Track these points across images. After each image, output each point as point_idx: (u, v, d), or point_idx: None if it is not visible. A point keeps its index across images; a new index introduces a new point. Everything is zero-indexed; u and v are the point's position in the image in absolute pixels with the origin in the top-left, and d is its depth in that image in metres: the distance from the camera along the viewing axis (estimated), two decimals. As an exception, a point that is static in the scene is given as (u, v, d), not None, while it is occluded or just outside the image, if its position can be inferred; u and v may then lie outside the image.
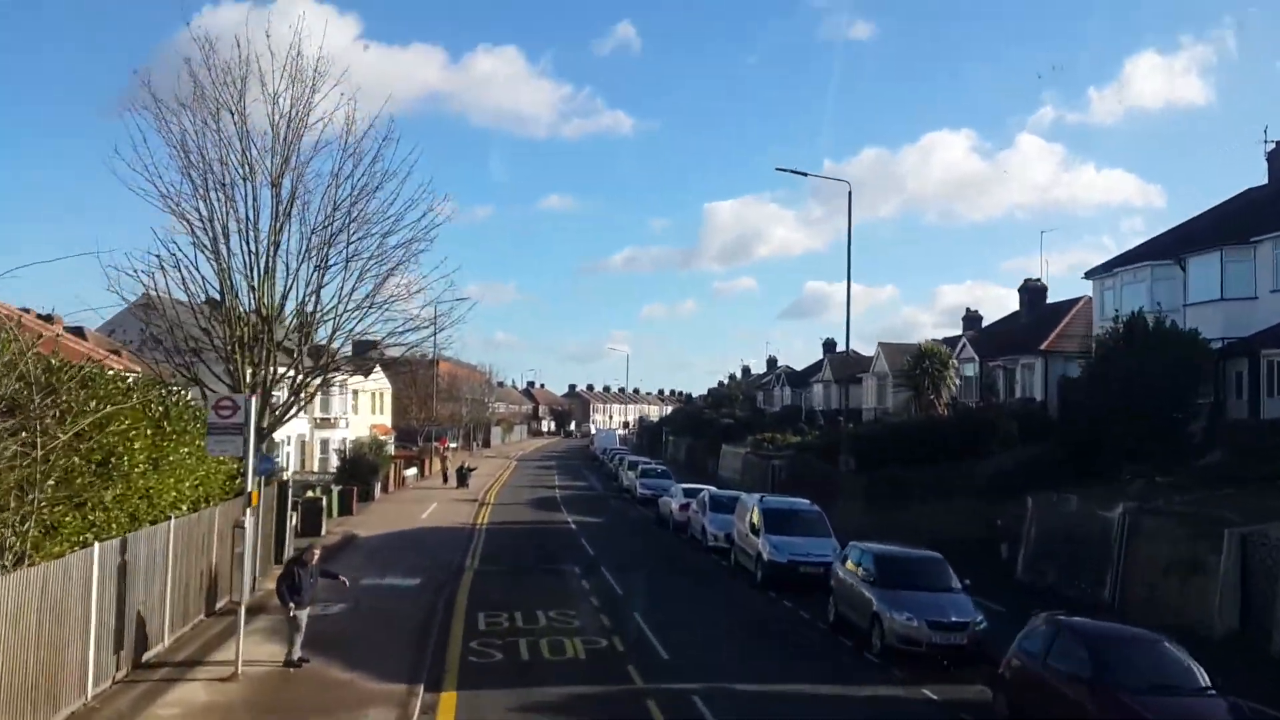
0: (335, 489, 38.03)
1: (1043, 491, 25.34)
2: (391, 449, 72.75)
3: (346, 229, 24.16)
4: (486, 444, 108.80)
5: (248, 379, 23.86)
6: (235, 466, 22.53)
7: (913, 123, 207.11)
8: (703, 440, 69.83)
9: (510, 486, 54.45)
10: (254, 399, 15.42)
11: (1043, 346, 40.75)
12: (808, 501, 26.22)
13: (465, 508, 40.91)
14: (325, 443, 53.16)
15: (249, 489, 14.97)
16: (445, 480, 53.33)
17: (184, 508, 17.79)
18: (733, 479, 56.25)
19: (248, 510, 14.82)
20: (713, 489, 33.40)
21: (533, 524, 36.65)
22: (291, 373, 24.86)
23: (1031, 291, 48.07)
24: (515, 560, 27.08)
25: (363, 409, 67.84)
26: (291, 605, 14.75)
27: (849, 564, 19.27)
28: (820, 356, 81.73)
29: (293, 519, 26.72)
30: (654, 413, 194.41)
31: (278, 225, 23.66)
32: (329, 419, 53.78)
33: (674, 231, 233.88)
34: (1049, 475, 27.09)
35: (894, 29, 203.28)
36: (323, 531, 31.94)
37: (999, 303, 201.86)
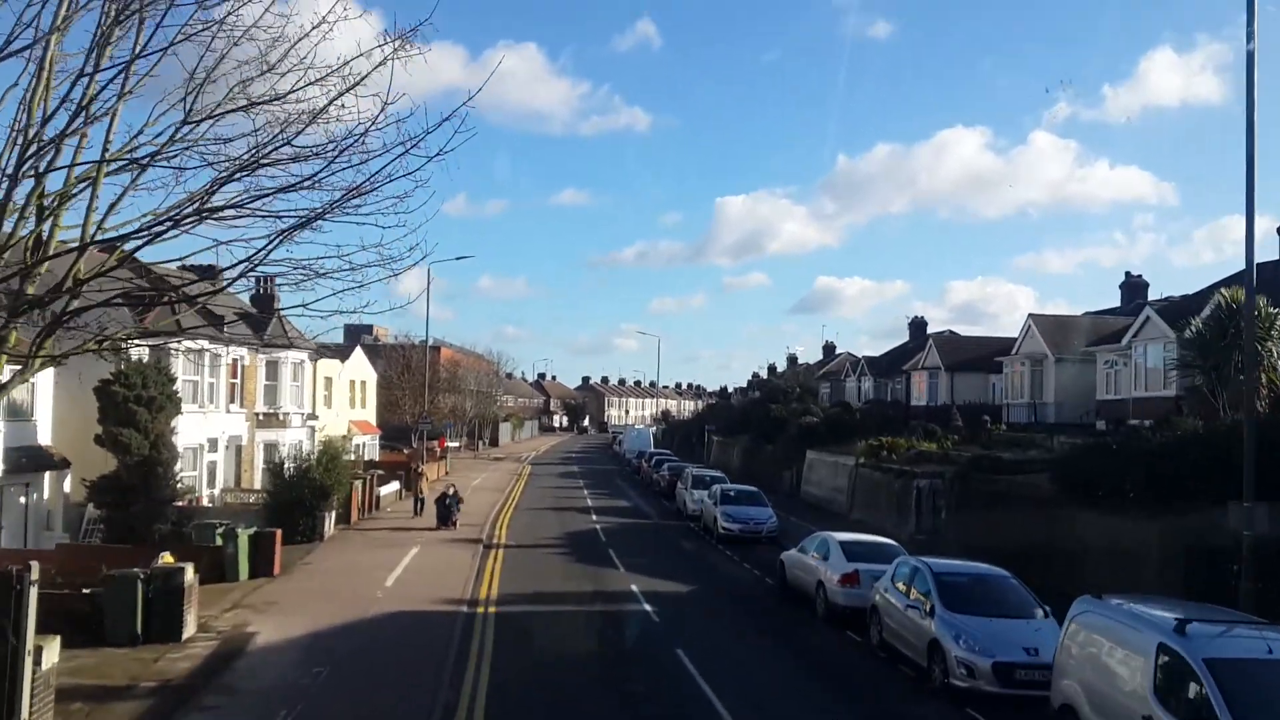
0: (243, 534, 22.82)
1: None
2: (375, 452, 57.97)
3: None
4: (494, 442, 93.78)
5: None
6: None
7: (927, 119, 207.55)
8: (769, 445, 54.57)
9: (527, 511, 39.08)
10: None
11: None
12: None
13: (459, 560, 25.65)
14: (273, 448, 37.93)
15: None
16: (418, 510, 34.98)
17: None
18: (831, 500, 41.02)
19: None
20: (932, 560, 17.65)
21: (576, 602, 21.30)
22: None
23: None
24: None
25: (338, 402, 52.90)
26: None
27: None
28: (904, 340, 66.46)
29: (37, 665, 11.46)
30: (674, 407, 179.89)
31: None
32: (275, 414, 38.56)
33: (685, 226, 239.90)
34: None
35: (912, 27, 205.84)
36: (184, 633, 16.82)
37: (1009, 299, 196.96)
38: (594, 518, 37.21)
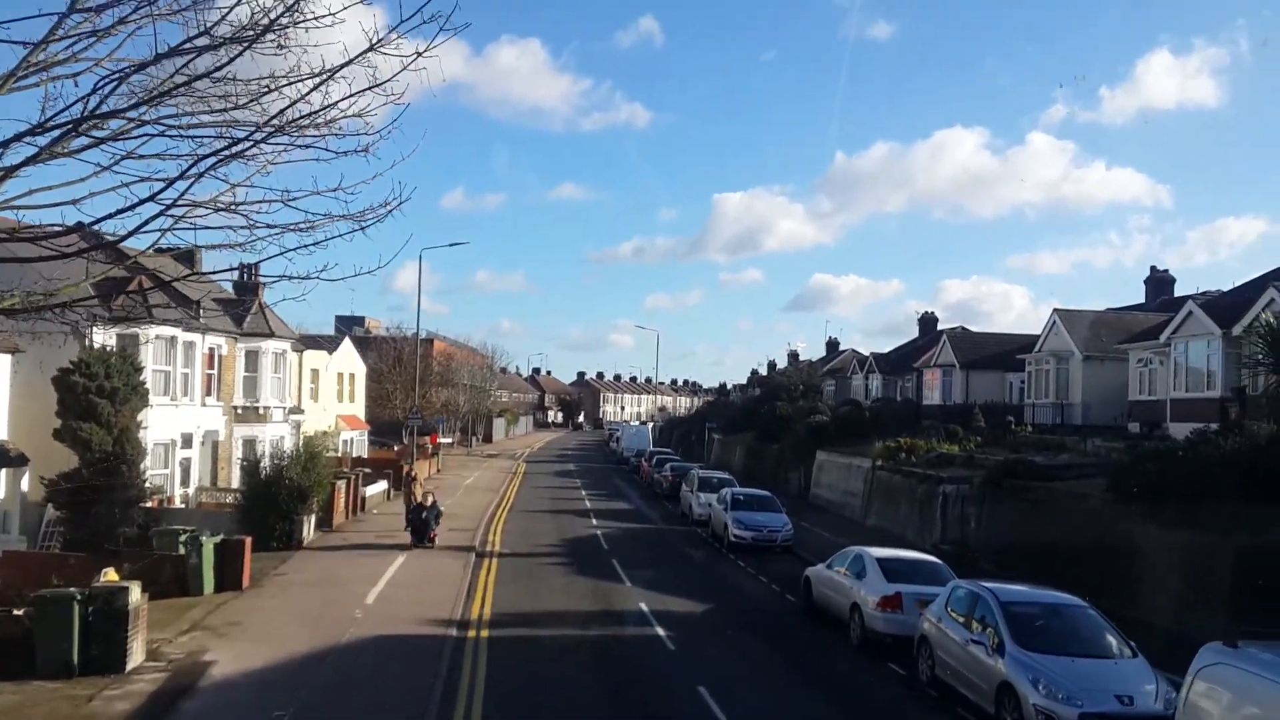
0: (208, 542, 20.48)
1: None
2: (363, 448, 55.60)
3: None
4: (488, 438, 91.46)
5: None
6: None
7: (926, 119, 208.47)
8: (774, 444, 52.36)
9: (522, 514, 36.80)
10: None
11: None
12: None
13: (449, 571, 23.32)
14: (252, 444, 35.58)
15: None
16: (409, 522, 27.52)
17: None
18: (844, 504, 38.86)
19: None
20: (995, 585, 15.22)
21: (580, 624, 19.02)
22: None
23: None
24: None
25: (325, 395, 50.57)
26: None
27: None
28: (910, 338, 64.28)
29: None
30: (671, 404, 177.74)
31: None
32: (255, 408, 36.19)
33: (682, 222, 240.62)
34: None
35: (912, 28, 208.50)
36: (129, 663, 14.50)
37: (1004, 298, 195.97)
38: (594, 521, 34.94)
